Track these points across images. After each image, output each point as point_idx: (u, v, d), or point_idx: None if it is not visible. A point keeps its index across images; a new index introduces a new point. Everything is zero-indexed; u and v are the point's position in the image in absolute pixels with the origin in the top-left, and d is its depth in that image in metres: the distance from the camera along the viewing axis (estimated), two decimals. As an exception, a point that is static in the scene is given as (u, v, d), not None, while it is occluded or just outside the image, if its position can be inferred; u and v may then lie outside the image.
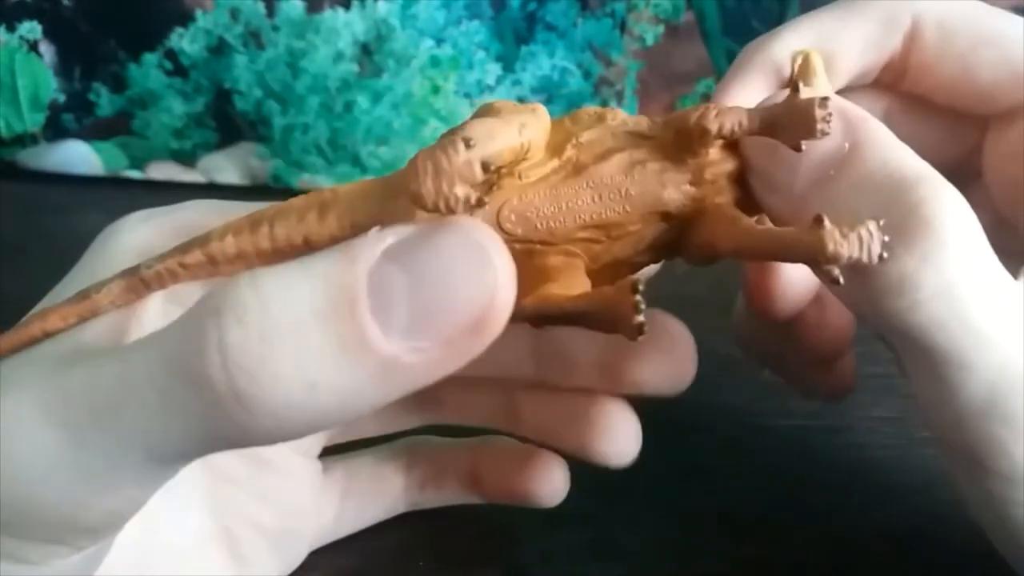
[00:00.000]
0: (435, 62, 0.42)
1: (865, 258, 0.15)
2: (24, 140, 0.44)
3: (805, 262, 0.16)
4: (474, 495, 0.25)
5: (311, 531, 0.24)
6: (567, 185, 0.19)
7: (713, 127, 0.18)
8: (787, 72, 0.21)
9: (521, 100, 0.43)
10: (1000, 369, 0.16)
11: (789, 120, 0.17)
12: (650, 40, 0.42)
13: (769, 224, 0.18)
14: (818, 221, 0.16)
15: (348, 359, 0.14)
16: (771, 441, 0.29)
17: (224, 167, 0.44)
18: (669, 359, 0.23)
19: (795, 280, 0.23)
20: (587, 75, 0.43)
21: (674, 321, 0.23)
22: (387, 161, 0.43)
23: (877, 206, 0.16)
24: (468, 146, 0.17)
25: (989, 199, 0.22)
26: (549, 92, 0.43)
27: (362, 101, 0.43)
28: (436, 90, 0.43)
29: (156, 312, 0.19)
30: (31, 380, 0.16)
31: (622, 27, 0.42)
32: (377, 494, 0.25)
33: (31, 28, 0.42)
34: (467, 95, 0.43)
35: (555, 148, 0.19)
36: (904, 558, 0.25)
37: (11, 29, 0.42)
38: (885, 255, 0.15)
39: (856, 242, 0.15)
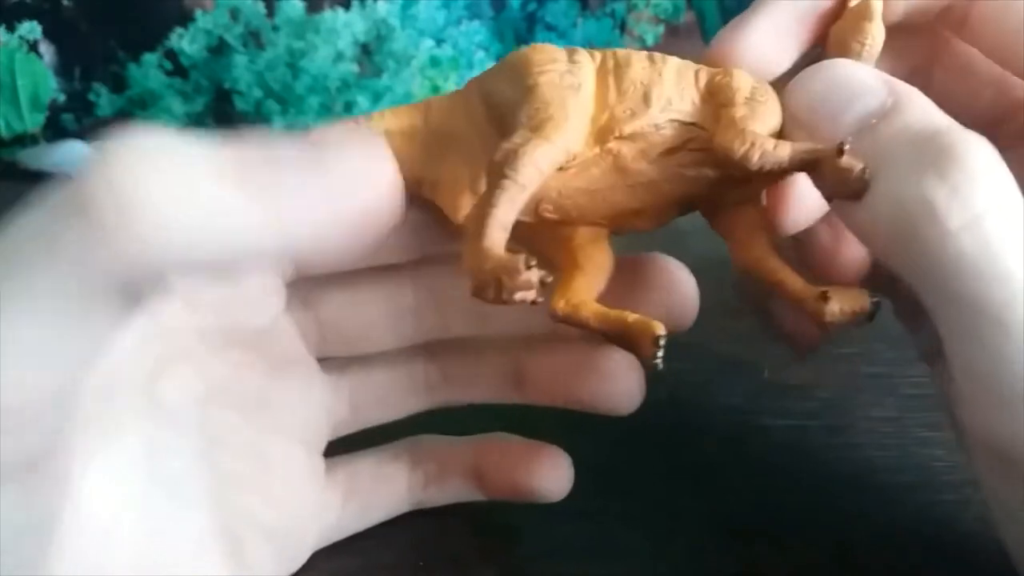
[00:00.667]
0: (435, 62, 0.42)
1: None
2: (24, 140, 0.44)
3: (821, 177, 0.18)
4: (478, 492, 0.25)
5: (313, 532, 0.24)
6: (605, 180, 0.20)
7: (754, 163, 0.18)
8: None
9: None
10: None
11: (832, 177, 0.18)
12: (650, 40, 0.42)
13: None
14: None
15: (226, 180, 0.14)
16: (771, 441, 0.29)
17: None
18: (671, 297, 0.23)
19: (807, 195, 0.22)
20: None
21: (674, 263, 0.23)
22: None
23: (914, 149, 0.17)
24: (529, 266, 0.16)
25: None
26: (549, 92, 0.43)
27: (362, 101, 0.43)
28: (436, 90, 0.43)
29: None
30: None
31: (622, 27, 0.42)
32: (380, 494, 0.25)
33: (31, 28, 0.42)
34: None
35: (598, 130, 0.19)
36: (903, 558, 0.25)
37: (11, 29, 0.42)
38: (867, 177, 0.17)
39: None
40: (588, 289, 0.21)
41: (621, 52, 0.20)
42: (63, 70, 0.43)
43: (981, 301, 0.16)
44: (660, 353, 0.19)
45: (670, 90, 0.19)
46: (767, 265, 0.20)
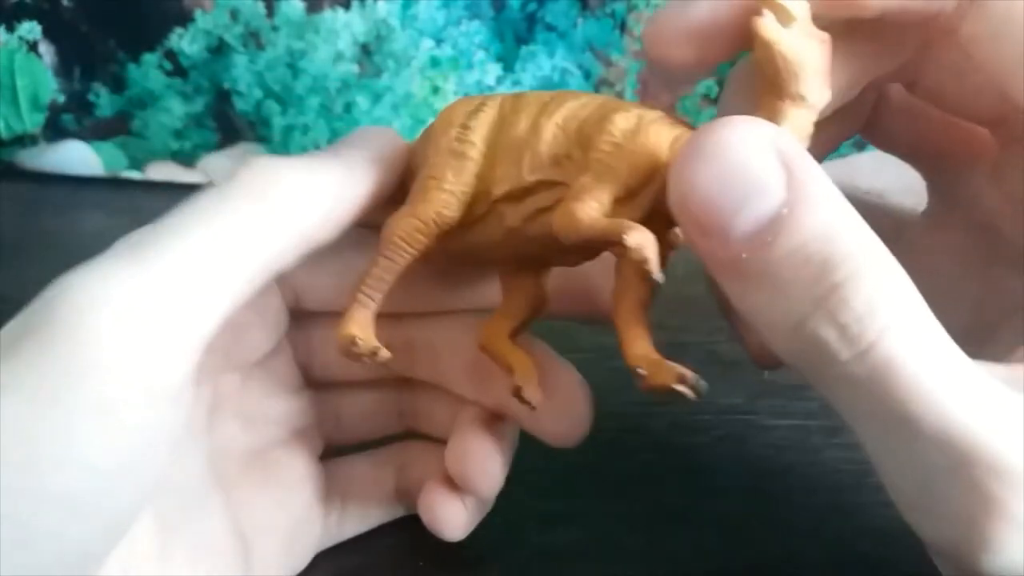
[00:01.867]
0: (435, 62, 0.42)
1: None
2: (24, 140, 0.44)
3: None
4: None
5: (317, 534, 0.24)
6: (496, 234, 0.21)
7: (564, 240, 0.19)
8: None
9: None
10: (951, 432, 0.16)
11: (629, 260, 0.18)
12: (650, 40, 0.42)
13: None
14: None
15: None
16: (771, 441, 0.29)
17: (224, 167, 0.44)
18: (562, 413, 0.23)
19: None
20: (587, 75, 0.43)
21: (576, 383, 0.24)
22: (387, 161, 0.43)
23: (806, 281, 0.16)
24: (366, 348, 0.21)
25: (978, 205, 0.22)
26: (549, 92, 0.43)
27: (362, 102, 0.43)
28: (436, 91, 0.43)
29: None
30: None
31: (622, 27, 0.42)
32: (375, 497, 0.25)
33: (31, 28, 0.42)
34: (467, 95, 0.43)
35: (479, 193, 0.20)
36: (903, 558, 0.25)
37: (11, 29, 0.42)
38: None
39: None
40: (505, 323, 0.22)
41: (522, 103, 0.20)
42: (63, 70, 0.43)
43: (879, 418, 0.16)
44: (529, 401, 0.21)
45: (544, 148, 0.19)
46: (619, 320, 0.20)
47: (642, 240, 0.17)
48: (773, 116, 0.17)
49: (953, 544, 0.16)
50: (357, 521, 0.25)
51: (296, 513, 0.23)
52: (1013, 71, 0.19)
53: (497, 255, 0.21)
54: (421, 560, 0.25)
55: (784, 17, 0.17)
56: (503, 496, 0.27)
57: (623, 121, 0.19)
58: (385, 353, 0.20)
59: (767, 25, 0.17)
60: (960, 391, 0.16)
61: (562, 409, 0.23)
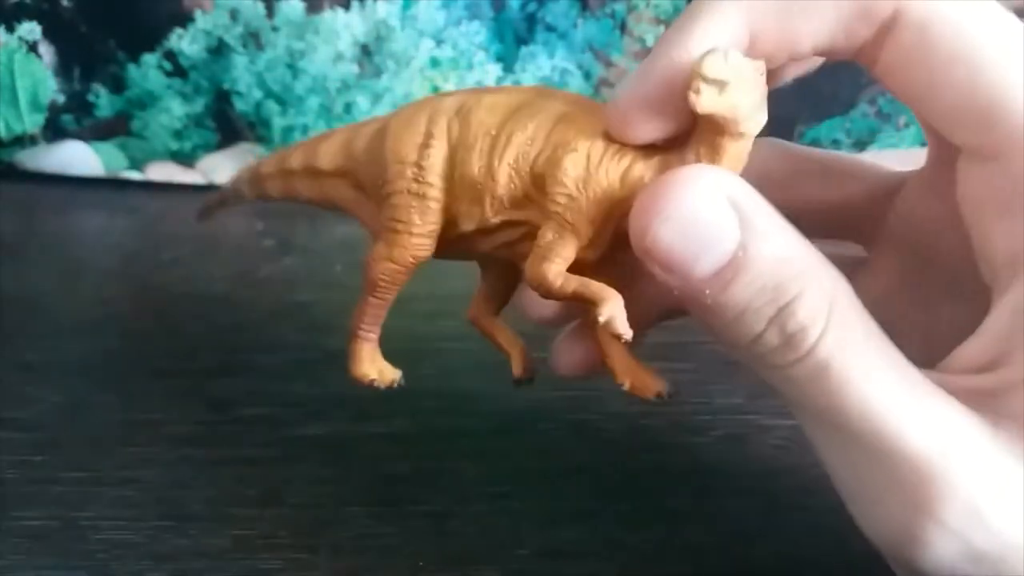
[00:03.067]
0: (435, 63, 0.42)
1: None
2: (23, 141, 0.44)
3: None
4: None
5: None
6: (468, 253, 0.23)
7: (544, 295, 0.20)
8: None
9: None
10: (875, 447, 0.18)
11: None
12: (650, 41, 0.42)
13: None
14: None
15: None
16: (771, 441, 0.29)
17: (224, 168, 0.44)
18: None
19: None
20: (587, 76, 0.43)
21: None
22: (387, 162, 0.43)
23: (761, 304, 0.18)
24: (373, 380, 0.24)
25: (894, 258, 0.24)
26: (549, 93, 0.43)
27: (362, 102, 0.43)
28: (436, 91, 0.43)
29: None
30: None
31: (622, 28, 0.42)
32: None
33: (31, 29, 0.42)
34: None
35: (447, 223, 0.22)
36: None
37: (11, 29, 0.42)
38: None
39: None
40: (487, 300, 0.24)
41: (469, 133, 0.21)
42: (63, 70, 0.43)
43: (823, 417, 0.18)
44: (516, 378, 0.24)
45: (502, 190, 0.21)
46: (602, 341, 0.23)
47: (612, 311, 0.19)
48: (713, 151, 0.19)
49: (890, 542, 0.18)
50: None
51: None
52: (925, 97, 0.20)
53: (472, 258, 0.23)
54: (421, 560, 0.25)
55: (719, 87, 0.18)
56: (503, 496, 0.27)
57: (572, 168, 0.20)
58: (402, 380, 0.23)
59: (703, 102, 0.18)
60: (893, 396, 0.18)
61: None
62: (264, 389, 0.31)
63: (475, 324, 0.24)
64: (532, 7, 0.42)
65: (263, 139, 0.44)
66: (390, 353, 0.33)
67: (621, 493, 0.27)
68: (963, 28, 0.19)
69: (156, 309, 0.36)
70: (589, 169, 0.20)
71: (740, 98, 0.18)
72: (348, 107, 0.43)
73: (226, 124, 0.44)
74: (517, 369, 0.24)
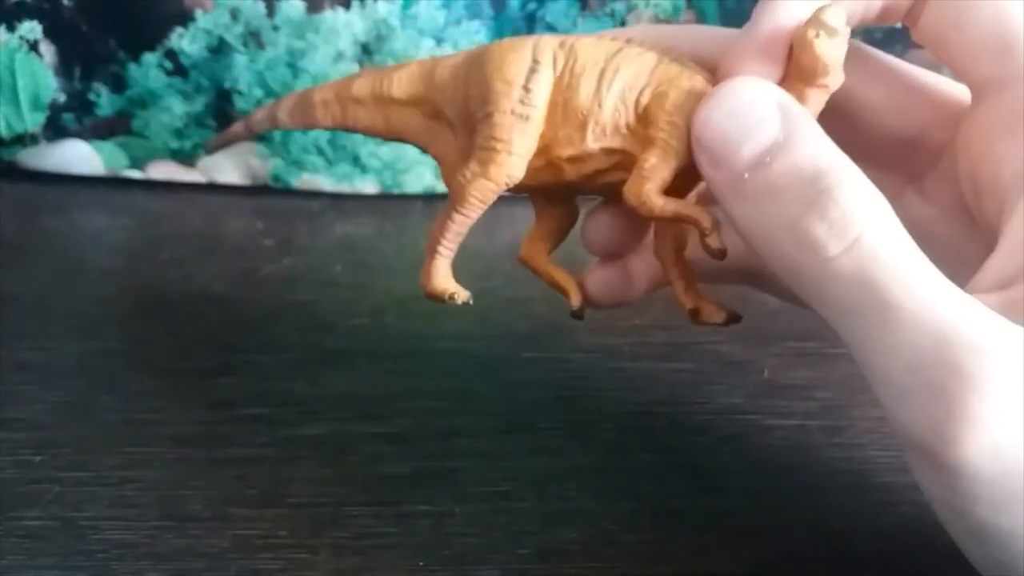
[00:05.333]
0: (435, 62, 0.42)
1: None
2: (24, 140, 0.44)
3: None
4: None
5: None
6: (550, 180, 0.23)
7: (644, 215, 0.22)
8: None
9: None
10: (921, 331, 0.18)
11: (700, 239, 0.22)
12: (650, 40, 0.42)
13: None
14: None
15: None
16: (771, 441, 0.29)
17: (224, 167, 0.44)
18: None
19: None
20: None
21: None
22: (387, 161, 0.43)
23: (800, 190, 0.19)
24: (451, 296, 0.24)
25: (947, 188, 0.23)
26: (549, 92, 0.43)
27: (362, 101, 0.43)
28: (436, 90, 0.43)
29: None
30: None
31: (622, 27, 0.42)
32: None
33: (31, 28, 0.42)
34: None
35: (542, 148, 0.23)
36: (903, 558, 0.25)
37: (11, 29, 0.42)
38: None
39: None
40: (542, 240, 0.25)
41: (578, 65, 0.22)
42: (63, 70, 0.43)
43: (865, 309, 0.18)
44: (575, 309, 0.25)
45: (607, 118, 0.22)
46: (669, 272, 0.24)
47: (715, 226, 0.21)
48: (798, 97, 0.21)
49: (932, 428, 0.18)
50: None
51: None
52: (954, 40, 0.22)
53: (542, 189, 0.24)
54: (421, 560, 0.25)
55: (831, 35, 0.20)
56: (503, 496, 0.27)
57: (677, 98, 0.21)
58: (470, 300, 0.24)
59: (819, 45, 0.20)
60: (936, 280, 0.18)
61: None
62: (264, 389, 0.31)
63: (526, 264, 0.25)
64: (532, 6, 0.42)
65: (263, 138, 0.44)
66: (390, 353, 0.33)
67: (621, 493, 0.27)
68: None
69: (156, 309, 0.36)
70: (687, 99, 0.21)
71: (840, 51, 0.20)
72: (348, 106, 0.43)
73: (227, 123, 0.43)
74: (576, 300, 0.25)
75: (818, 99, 0.21)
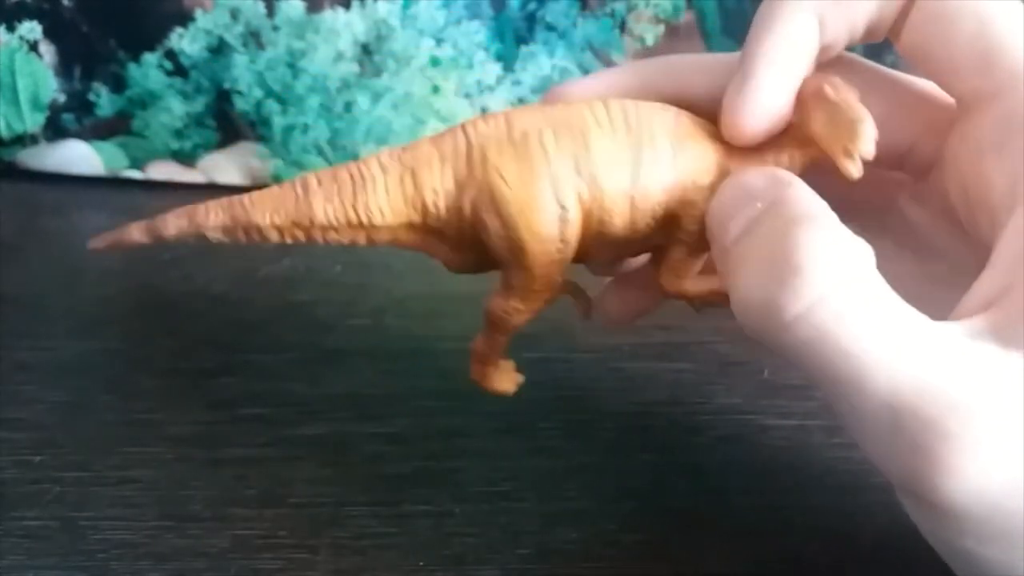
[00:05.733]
0: (435, 62, 0.42)
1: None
2: (24, 140, 0.44)
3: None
4: None
5: None
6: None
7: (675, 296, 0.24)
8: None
9: (521, 101, 0.43)
10: (891, 391, 0.17)
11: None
12: (650, 40, 0.42)
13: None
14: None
15: None
16: (771, 441, 0.29)
17: (224, 167, 0.44)
18: None
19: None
20: (587, 75, 0.43)
21: None
22: (387, 161, 0.43)
23: (767, 257, 0.19)
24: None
25: (940, 197, 0.23)
26: (549, 92, 0.43)
27: (362, 101, 0.43)
28: (436, 90, 0.43)
29: None
30: None
31: (622, 27, 0.42)
32: None
33: (31, 28, 0.42)
34: (467, 95, 0.43)
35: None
36: (904, 558, 0.25)
37: (11, 29, 0.42)
38: None
39: None
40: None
41: (607, 197, 0.21)
42: (63, 70, 0.43)
43: (834, 374, 0.18)
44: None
45: (640, 235, 0.22)
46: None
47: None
48: (789, 157, 0.21)
49: (916, 479, 0.18)
50: None
51: None
52: (938, 54, 0.21)
53: None
54: (421, 560, 0.25)
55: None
56: (503, 496, 0.27)
57: (703, 203, 0.21)
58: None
59: (854, 171, 0.20)
60: (908, 332, 0.18)
61: None
62: (264, 389, 0.31)
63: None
64: (532, 6, 0.42)
65: (264, 138, 0.44)
66: (390, 353, 0.33)
67: (621, 493, 0.27)
68: None
69: (156, 309, 0.36)
70: (710, 195, 0.21)
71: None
72: (348, 106, 0.43)
73: (227, 123, 0.44)
74: (585, 310, 0.26)
75: (808, 157, 0.21)
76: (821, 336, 0.18)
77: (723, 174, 0.21)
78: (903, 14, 0.21)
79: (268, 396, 0.31)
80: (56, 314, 0.35)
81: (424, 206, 0.22)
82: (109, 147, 0.44)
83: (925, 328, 0.18)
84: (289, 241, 0.23)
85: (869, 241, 0.24)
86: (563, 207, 0.21)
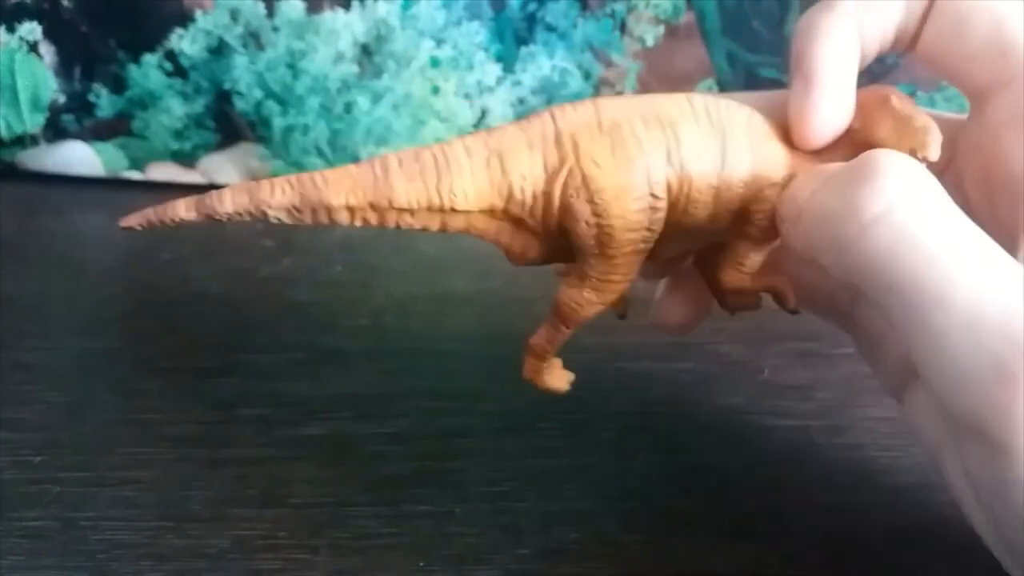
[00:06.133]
0: (435, 63, 0.42)
1: None
2: (24, 141, 0.44)
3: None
4: None
5: None
6: None
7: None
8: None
9: (521, 101, 0.43)
10: (978, 303, 0.17)
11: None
12: (650, 41, 0.42)
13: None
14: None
15: None
16: (771, 441, 0.29)
17: (224, 168, 0.44)
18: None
19: None
20: (587, 76, 0.43)
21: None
22: (387, 162, 0.43)
23: (844, 170, 0.19)
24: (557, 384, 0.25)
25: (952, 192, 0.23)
26: (549, 93, 0.43)
27: (362, 102, 0.43)
28: (436, 91, 0.43)
29: None
30: None
31: (622, 27, 0.42)
32: None
33: (31, 29, 0.42)
34: (467, 96, 0.43)
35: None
36: (904, 558, 0.25)
37: (11, 30, 0.42)
38: None
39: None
40: None
41: (695, 188, 0.21)
42: (63, 70, 0.43)
43: (909, 285, 0.18)
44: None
45: (719, 228, 0.22)
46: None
47: (789, 292, 0.24)
48: (842, 157, 0.22)
49: (988, 410, 0.17)
50: None
51: None
52: (954, 51, 0.22)
53: None
54: (421, 560, 0.25)
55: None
56: (503, 496, 0.27)
57: (774, 198, 0.22)
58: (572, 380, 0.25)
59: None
60: (986, 260, 0.17)
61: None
62: (264, 389, 0.31)
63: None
64: (532, 7, 0.42)
65: (263, 139, 0.44)
66: (390, 353, 0.33)
67: (621, 493, 0.27)
68: None
69: (156, 309, 0.36)
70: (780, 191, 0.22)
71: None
72: (348, 107, 0.43)
73: (227, 124, 0.44)
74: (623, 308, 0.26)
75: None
76: (902, 238, 0.18)
77: (791, 173, 0.22)
78: (921, 21, 0.22)
79: (268, 396, 0.31)
80: (56, 314, 0.35)
81: (510, 191, 0.22)
82: (109, 148, 0.44)
83: (1003, 255, 0.18)
84: (358, 224, 0.22)
85: None
86: (655, 195, 0.21)
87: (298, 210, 0.22)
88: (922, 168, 0.19)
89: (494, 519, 0.26)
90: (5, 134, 0.44)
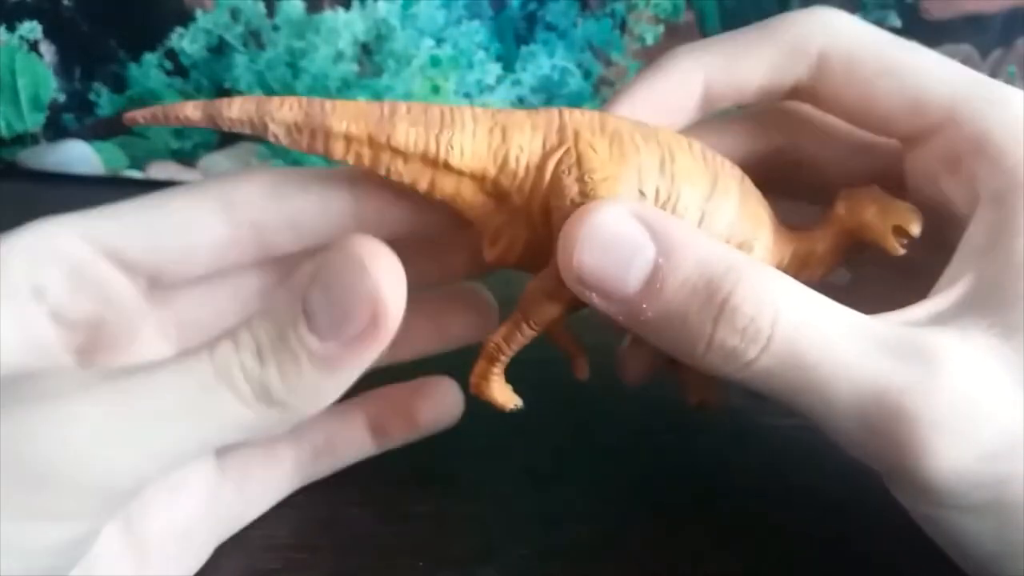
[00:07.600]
0: (435, 62, 0.42)
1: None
2: (24, 140, 0.44)
3: None
4: (374, 446, 0.27)
5: (213, 525, 0.24)
6: None
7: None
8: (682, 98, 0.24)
9: (521, 100, 0.43)
10: (854, 395, 0.19)
11: None
12: (650, 40, 0.42)
13: None
14: None
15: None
16: (771, 441, 0.29)
17: (224, 167, 0.44)
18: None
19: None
20: (587, 75, 0.43)
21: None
22: (387, 161, 0.43)
23: (701, 308, 0.19)
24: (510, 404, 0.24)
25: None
26: (549, 92, 0.43)
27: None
28: (436, 90, 0.43)
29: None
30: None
31: (622, 27, 0.42)
32: (270, 476, 0.26)
33: (31, 28, 0.42)
34: (467, 95, 0.43)
35: None
36: (904, 558, 0.25)
37: (11, 29, 0.42)
38: None
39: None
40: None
41: (681, 203, 0.22)
42: (63, 70, 0.43)
43: (801, 391, 0.19)
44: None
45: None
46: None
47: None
48: (838, 249, 0.24)
49: (899, 464, 0.19)
50: (253, 505, 0.25)
51: (191, 508, 0.24)
52: (862, 109, 0.23)
53: None
54: (421, 560, 0.25)
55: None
56: (503, 496, 0.27)
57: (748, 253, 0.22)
58: (518, 406, 0.24)
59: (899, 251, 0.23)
60: (857, 333, 0.19)
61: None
62: (264, 389, 0.31)
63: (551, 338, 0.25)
64: (532, 6, 0.42)
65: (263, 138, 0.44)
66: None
67: (621, 493, 0.27)
68: (883, 47, 0.23)
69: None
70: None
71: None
72: (348, 106, 0.43)
73: (226, 123, 0.44)
74: (583, 372, 0.26)
75: (844, 239, 0.24)
76: (783, 362, 0.19)
77: (771, 241, 0.23)
78: (812, 81, 0.23)
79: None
80: (56, 314, 0.35)
81: (506, 159, 0.22)
82: (109, 147, 0.44)
83: (867, 326, 0.19)
84: (351, 160, 0.22)
85: (858, 267, 0.26)
86: (642, 192, 0.21)
87: (298, 130, 0.22)
88: (776, 275, 0.20)
89: (494, 519, 0.26)
90: (5, 133, 0.44)
